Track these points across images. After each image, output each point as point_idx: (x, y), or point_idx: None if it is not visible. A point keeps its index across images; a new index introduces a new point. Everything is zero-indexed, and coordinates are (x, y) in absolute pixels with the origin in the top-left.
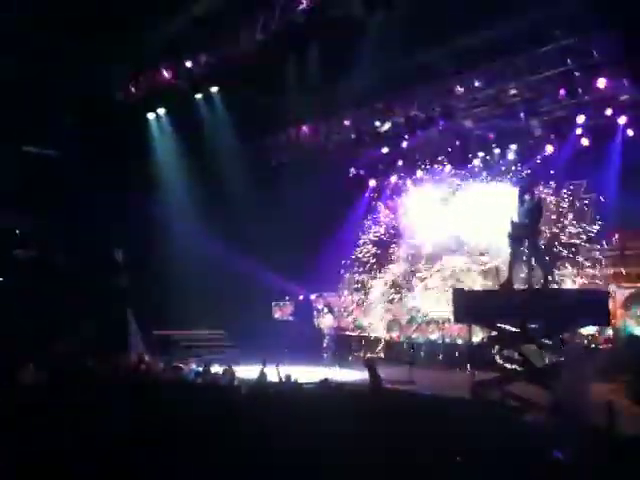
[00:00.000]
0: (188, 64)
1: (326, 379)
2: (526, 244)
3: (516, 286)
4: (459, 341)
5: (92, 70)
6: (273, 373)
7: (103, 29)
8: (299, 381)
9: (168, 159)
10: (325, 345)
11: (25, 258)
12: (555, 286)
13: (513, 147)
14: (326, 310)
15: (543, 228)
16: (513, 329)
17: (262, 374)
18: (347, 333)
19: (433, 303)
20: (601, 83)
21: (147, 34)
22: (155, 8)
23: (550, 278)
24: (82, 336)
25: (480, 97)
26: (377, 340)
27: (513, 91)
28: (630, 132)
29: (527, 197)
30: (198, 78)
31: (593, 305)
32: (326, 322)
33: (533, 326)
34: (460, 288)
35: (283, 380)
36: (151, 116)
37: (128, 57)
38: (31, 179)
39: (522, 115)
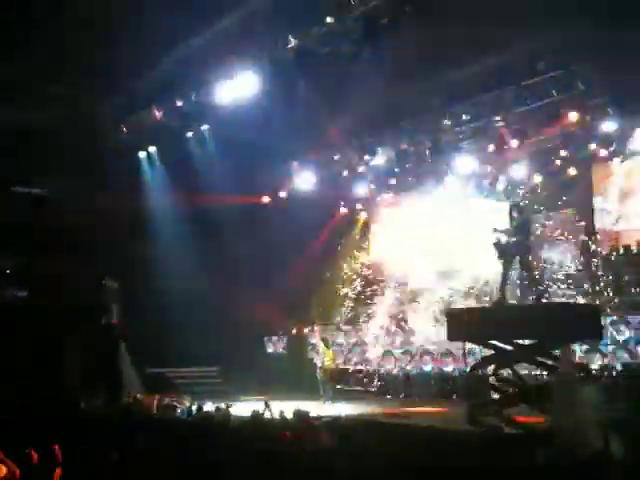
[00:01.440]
0: (179, 103)
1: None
2: (517, 261)
3: (508, 303)
4: (450, 369)
5: (78, 113)
6: (266, 410)
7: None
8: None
9: (159, 196)
10: (319, 379)
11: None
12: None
13: (501, 178)
14: (322, 344)
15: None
16: (507, 347)
17: (255, 412)
18: (341, 367)
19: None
20: (573, 117)
21: (137, 76)
22: (145, 49)
23: (541, 294)
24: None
25: (467, 130)
26: (372, 373)
27: (500, 123)
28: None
29: (515, 214)
30: (188, 117)
31: (586, 320)
32: (320, 356)
33: (527, 343)
34: (453, 307)
35: (275, 417)
36: (142, 154)
37: (119, 98)
38: (21, 218)
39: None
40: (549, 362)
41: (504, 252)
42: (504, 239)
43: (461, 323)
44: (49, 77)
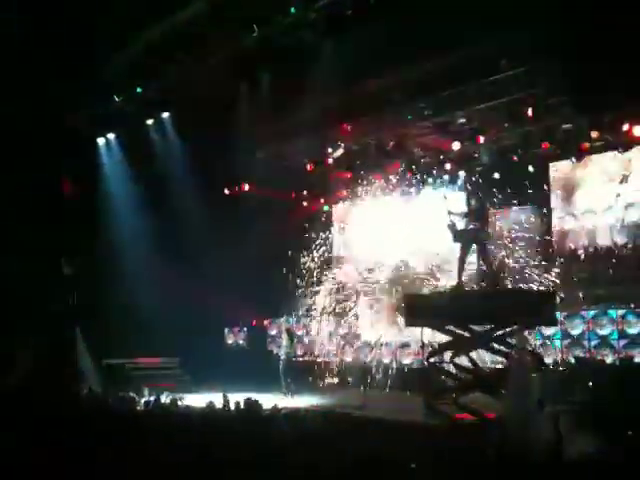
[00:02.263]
0: (139, 90)
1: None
2: (474, 247)
3: (465, 289)
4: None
5: (41, 95)
6: (222, 401)
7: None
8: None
9: (118, 185)
10: (280, 372)
11: None
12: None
13: (461, 174)
14: (284, 336)
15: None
16: (463, 332)
17: (211, 403)
18: (300, 359)
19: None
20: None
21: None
22: (108, 35)
23: (498, 280)
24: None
25: (430, 125)
26: (330, 365)
27: (462, 120)
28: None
29: (473, 201)
30: (149, 104)
31: (541, 305)
32: (280, 348)
33: (484, 328)
34: (411, 292)
35: (231, 408)
36: (101, 141)
37: (79, 83)
38: None
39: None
40: (504, 349)
41: (461, 236)
42: (460, 223)
43: (417, 308)
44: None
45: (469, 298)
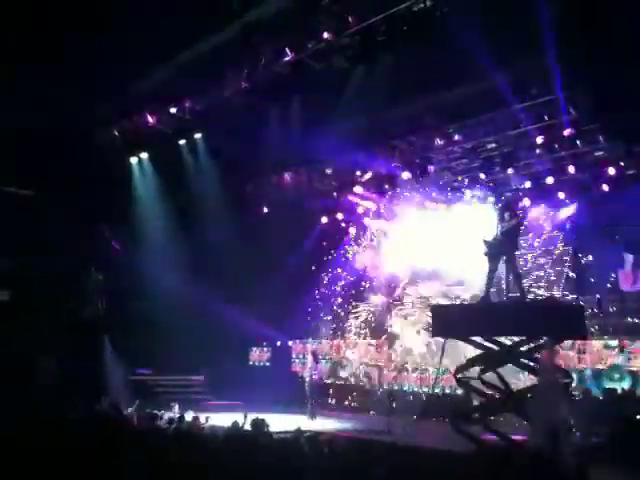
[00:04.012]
0: (173, 110)
1: (299, 428)
2: (503, 260)
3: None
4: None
5: (76, 113)
6: (245, 421)
7: (88, 74)
8: (271, 429)
9: (150, 204)
10: (307, 393)
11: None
12: None
13: (490, 199)
14: (309, 357)
15: None
16: (492, 345)
17: (236, 423)
18: (325, 381)
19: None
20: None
21: (133, 79)
22: (141, 54)
23: (526, 294)
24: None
25: (459, 150)
26: (354, 388)
27: (492, 145)
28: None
29: (507, 215)
30: (182, 124)
31: (570, 317)
32: (306, 369)
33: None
34: (438, 304)
35: (251, 429)
36: (134, 160)
37: (112, 101)
38: (7, 219)
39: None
40: (533, 364)
41: (491, 249)
42: (492, 238)
43: (445, 319)
44: (45, 76)
45: (497, 309)
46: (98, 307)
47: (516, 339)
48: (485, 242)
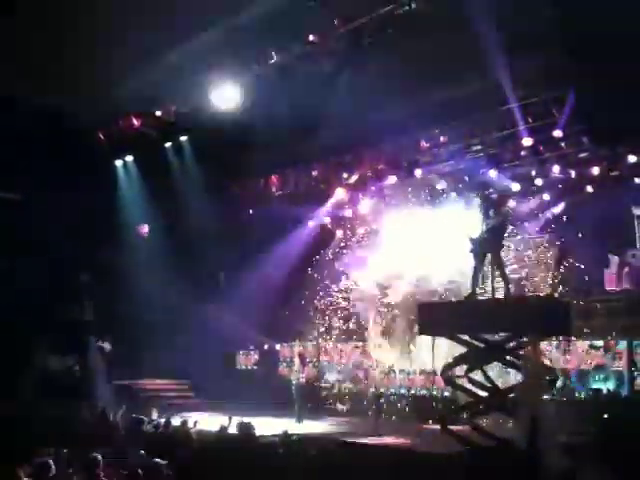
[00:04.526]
0: (158, 113)
1: (286, 431)
2: (489, 258)
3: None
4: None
5: (60, 116)
6: (231, 424)
7: (73, 77)
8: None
9: (135, 206)
10: (294, 396)
11: None
12: None
13: (476, 200)
14: (297, 360)
15: None
16: (478, 343)
17: (223, 427)
18: (313, 384)
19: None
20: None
21: (118, 82)
22: (126, 57)
23: (511, 292)
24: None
25: (445, 152)
26: (341, 391)
27: (477, 147)
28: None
29: (492, 213)
30: (167, 127)
31: (557, 314)
32: (293, 372)
33: (497, 337)
34: (425, 302)
35: (237, 432)
36: (119, 163)
37: (97, 104)
38: None
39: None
40: (518, 362)
41: (476, 247)
42: (477, 236)
43: (431, 317)
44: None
45: (483, 306)
46: (85, 309)
47: (502, 336)
48: (470, 240)
